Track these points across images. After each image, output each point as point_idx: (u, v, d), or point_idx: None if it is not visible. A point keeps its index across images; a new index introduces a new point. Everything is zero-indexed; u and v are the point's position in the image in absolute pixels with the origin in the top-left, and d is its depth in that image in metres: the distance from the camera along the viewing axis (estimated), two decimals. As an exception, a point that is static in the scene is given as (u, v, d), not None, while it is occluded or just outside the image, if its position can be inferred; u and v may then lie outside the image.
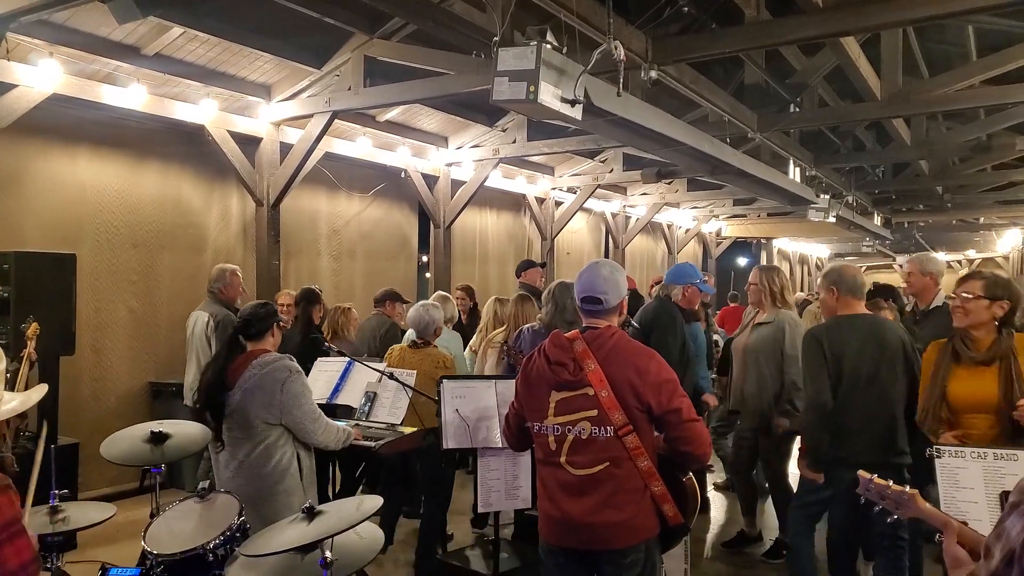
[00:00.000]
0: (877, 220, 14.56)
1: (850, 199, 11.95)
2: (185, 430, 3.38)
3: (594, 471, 2.49)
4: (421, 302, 4.85)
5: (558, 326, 4.05)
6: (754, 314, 5.03)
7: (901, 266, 5.20)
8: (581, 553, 2.57)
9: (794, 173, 9.13)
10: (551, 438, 2.56)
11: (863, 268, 26.91)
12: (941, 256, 23.27)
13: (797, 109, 7.58)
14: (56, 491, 2.95)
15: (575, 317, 3.93)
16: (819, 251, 23.62)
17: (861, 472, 2.09)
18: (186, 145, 6.88)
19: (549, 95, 3.98)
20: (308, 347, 4.71)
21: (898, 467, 3.49)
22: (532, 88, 3.86)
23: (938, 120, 9.39)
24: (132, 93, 5.97)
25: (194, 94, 6.43)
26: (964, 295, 3.17)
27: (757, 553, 5.00)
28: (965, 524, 1.85)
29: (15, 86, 5.29)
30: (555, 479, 2.57)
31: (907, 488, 2.02)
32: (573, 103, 4.20)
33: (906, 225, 17.48)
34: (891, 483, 2.04)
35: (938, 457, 2.47)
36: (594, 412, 2.49)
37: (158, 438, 3.21)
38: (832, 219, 10.85)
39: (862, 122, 8.71)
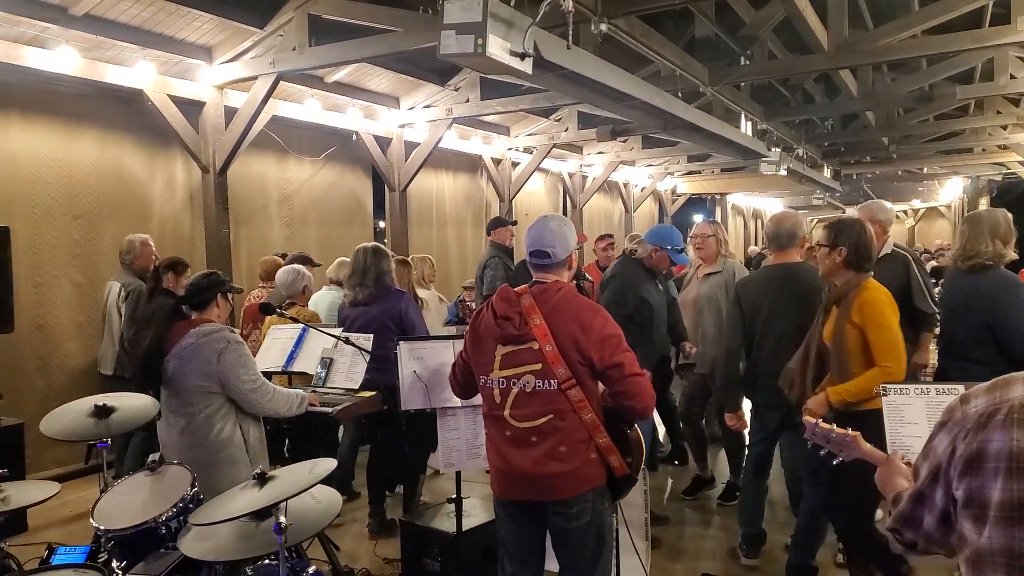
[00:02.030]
0: (827, 172, 14.78)
1: (800, 152, 12.08)
2: (131, 403, 3.26)
3: (538, 423, 2.52)
4: (293, 265, 5.03)
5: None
6: (697, 267, 5.09)
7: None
8: (530, 505, 2.61)
9: (745, 127, 9.18)
10: (496, 391, 2.59)
11: (814, 221, 27.41)
12: (888, 205, 23.86)
13: (747, 62, 7.57)
14: (-8, 470, 2.85)
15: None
16: (772, 205, 23.98)
17: (807, 417, 2.19)
18: (124, 111, 6.60)
19: (498, 48, 3.90)
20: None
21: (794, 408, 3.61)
22: (480, 41, 3.77)
23: (883, 71, 9.50)
24: (62, 56, 5.68)
25: (130, 57, 6.15)
26: (817, 244, 3.35)
27: (714, 497, 5.13)
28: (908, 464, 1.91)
29: (-67, 51, 5.00)
30: (499, 432, 2.60)
31: (849, 430, 2.09)
32: (523, 56, 4.13)
33: (855, 177, 17.80)
34: (835, 427, 2.12)
35: (884, 395, 2.54)
36: (538, 366, 2.51)
37: (102, 412, 3.11)
38: (783, 172, 10.96)
39: (811, 73, 8.76)
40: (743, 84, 8.75)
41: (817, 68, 7.39)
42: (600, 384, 2.61)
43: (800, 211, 23.82)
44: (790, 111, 10.13)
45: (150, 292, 4.63)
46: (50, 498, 2.82)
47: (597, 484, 2.57)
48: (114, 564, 2.59)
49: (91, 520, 2.68)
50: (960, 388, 2.43)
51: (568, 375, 2.48)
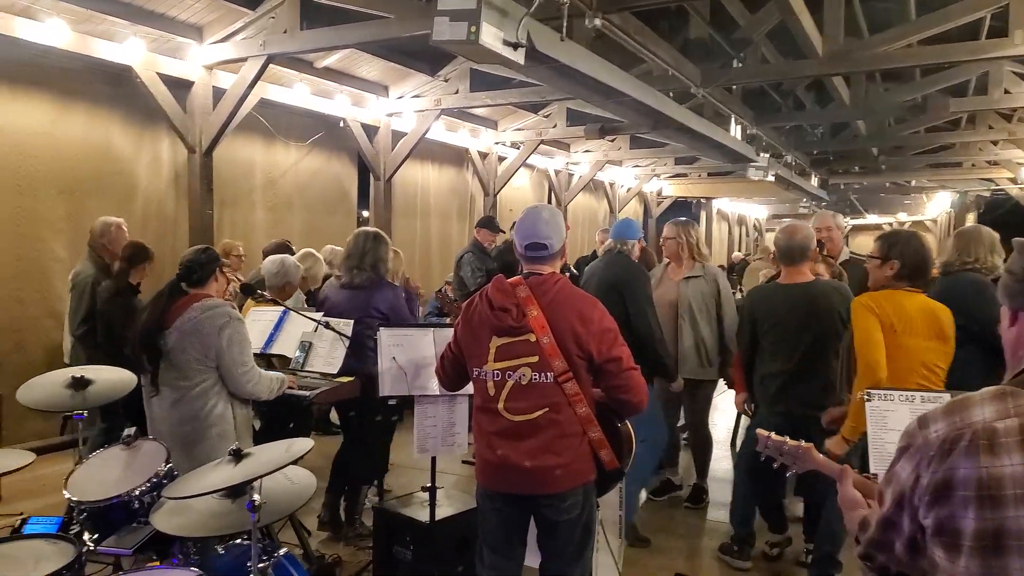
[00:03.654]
0: (814, 181, 14.89)
1: (789, 159, 12.17)
2: (107, 375, 3.26)
3: (533, 416, 2.49)
4: (282, 255, 4.84)
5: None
6: (665, 267, 5.03)
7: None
8: (520, 497, 2.59)
9: (735, 131, 9.23)
10: (490, 383, 2.56)
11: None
12: (873, 218, 24.05)
13: (740, 65, 7.61)
14: (-32, 439, 2.82)
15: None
16: (757, 211, 24.15)
17: (759, 430, 2.17)
18: (113, 87, 6.54)
19: (491, 36, 3.90)
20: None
21: (816, 417, 3.66)
22: (473, 29, 3.77)
23: (877, 80, 9.58)
24: (52, 28, 5.62)
25: (120, 32, 6.09)
26: (869, 256, 3.29)
27: (682, 499, 5.16)
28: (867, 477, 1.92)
29: (-82, 17, 4.92)
30: (492, 425, 2.56)
31: (801, 443, 2.10)
32: (516, 46, 4.13)
33: (842, 187, 17.95)
34: (787, 439, 2.12)
35: (868, 401, 2.55)
36: (535, 358, 2.48)
37: (79, 383, 3.09)
38: (771, 178, 11.03)
39: (804, 79, 8.81)
40: (735, 87, 8.79)
41: (810, 74, 7.45)
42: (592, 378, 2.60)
43: (785, 219, 24.02)
44: (781, 117, 10.20)
45: (117, 292, 4.59)
46: (24, 467, 2.80)
47: (589, 478, 2.58)
48: (86, 536, 2.57)
49: (64, 491, 2.67)
50: (945, 396, 2.46)
51: (565, 368, 2.47)
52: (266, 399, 3.41)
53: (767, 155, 10.71)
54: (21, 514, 2.95)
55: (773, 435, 2.14)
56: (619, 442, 2.65)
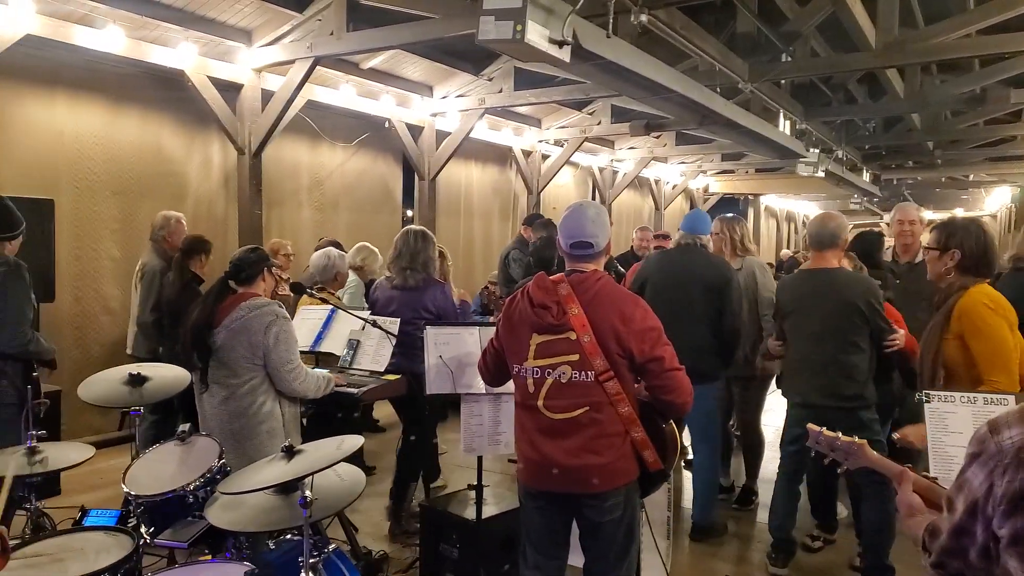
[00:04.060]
0: (866, 176, 14.50)
1: (840, 154, 11.88)
2: (163, 372, 3.35)
3: (574, 415, 2.47)
4: (327, 248, 4.93)
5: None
6: None
7: (888, 223, 5.06)
8: (561, 496, 2.57)
9: (784, 126, 9.05)
10: (530, 380, 2.54)
11: (849, 226, 26.99)
12: (928, 214, 23.35)
13: (789, 59, 7.45)
14: (34, 432, 2.92)
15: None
16: (807, 208, 23.63)
17: (810, 425, 2.10)
18: (165, 91, 6.71)
19: (537, 35, 3.89)
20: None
21: (849, 411, 3.65)
22: (519, 27, 3.76)
23: (932, 72, 9.28)
24: (109, 35, 5.79)
25: (173, 38, 6.24)
26: (926, 247, 3.11)
27: (731, 501, 5.08)
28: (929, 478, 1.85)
29: (-15, 26, 5.11)
30: (533, 422, 2.55)
31: (855, 438, 2.03)
32: (561, 44, 4.11)
33: (895, 182, 17.44)
34: (840, 434, 2.05)
35: (927, 402, 2.46)
36: (575, 356, 2.46)
37: (136, 380, 3.18)
38: (821, 174, 10.79)
39: (856, 72, 8.58)
40: (783, 82, 8.61)
41: (863, 67, 7.25)
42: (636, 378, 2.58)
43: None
44: (831, 111, 9.94)
45: (183, 284, 4.73)
46: (86, 461, 2.90)
47: (631, 478, 2.54)
48: (143, 529, 2.64)
49: (122, 485, 2.74)
50: (1009, 398, 2.36)
51: (606, 367, 2.44)
52: (313, 397, 3.45)
53: (817, 150, 10.48)
54: (81, 507, 3.04)
55: (825, 430, 2.08)
56: (663, 443, 2.60)
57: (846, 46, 7.34)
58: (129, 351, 5.39)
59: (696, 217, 4.56)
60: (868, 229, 5.03)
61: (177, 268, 4.85)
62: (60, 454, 2.93)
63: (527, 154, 11.41)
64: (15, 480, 2.81)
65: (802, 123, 9.43)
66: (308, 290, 4.32)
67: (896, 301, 4.04)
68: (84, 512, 2.84)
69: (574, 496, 2.54)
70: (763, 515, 4.79)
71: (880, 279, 4.15)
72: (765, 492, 5.01)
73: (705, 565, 4.18)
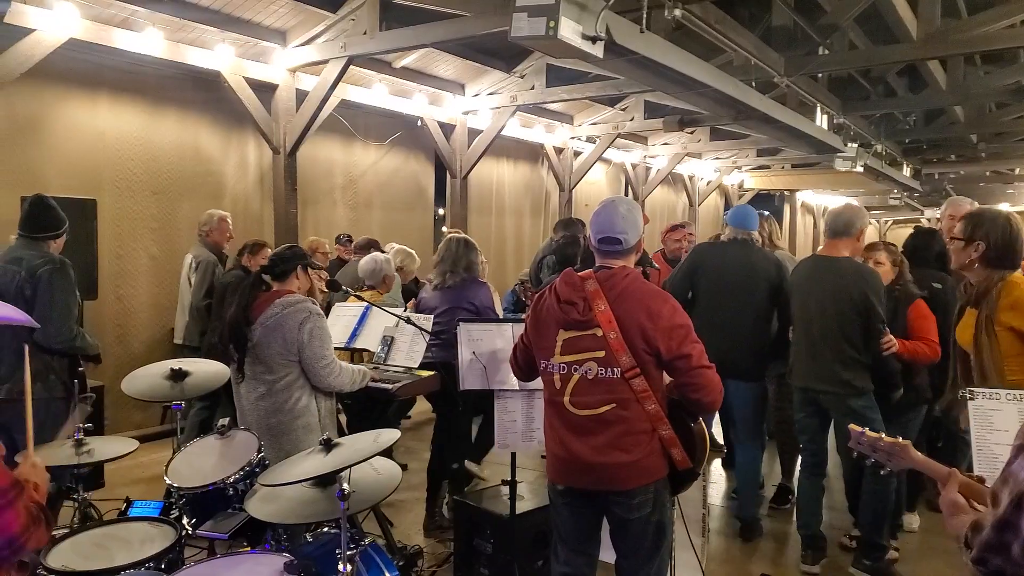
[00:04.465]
0: (906, 171, 14.18)
1: (879, 148, 11.62)
2: (204, 368, 3.42)
3: (600, 412, 2.46)
4: (374, 253, 5.07)
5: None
6: None
7: (928, 219, 4.90)
8: (589, 493, 2.56)
9: (821, 120, 8.88)
10: (556, 376, 2.54)
11: (889, 222, 26.11)
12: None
13: (826, 52, 7.32)
14: (80, 425, 3.00)
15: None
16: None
17: (852, 426, 2.09)
18: (203, 92, 6.83)
19: (570, 31, 3.88)
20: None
21: (839, 396, 3.72)
22: (552, 24, 3.75)
23: (976, 64, 9.05)
24: (148, 38, 5.91)
25: (210, 40, 6.35)
26: (952, 238, 3.03)
27: (767, 499, 5.02)
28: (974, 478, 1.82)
29: (32, 31, 5.25)
30: (560, 419, 2.55)
31: (898, 439, 2.00)
32: (594, 40, 4.10)
33: (936, 176, 16.99)
34: (882, 435, 2.02)
35: (971, 399, 2.41)
36: (601, 353, 2.45)
37: (178, 375, 3.25)
38: (859, 169, 10.58)
39: (896, 64, 8.40)
40: (820, 75, 8.47)
41: (904, 59, 7.10)
42: (665, 375, 2.56)
43: (874, 212, 22.97)
44: (870, 105, 9.76)
45: (236, 270, 4.90)
46: (130, 453, 2.98)
47: (659, 476, 2.52)
48: (184, 520, 2.70)
49: (165, 478, 2.80)
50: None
51: (632, 364, 2.42)
52: (348, 391, 3.49)
53: (855, 145, 10.28)
54: (126, 498, 3.11)
55: (867, 431, 2.05)
56: (691, 441, 2.57)
57: (886, 38, 7.20)
58: (179, 340, 5.70)
59: (747, 212, 4.54)
60: (926, 226, 4.89)
61: (235, 261, 5.40)
62: (105, 447, 3.02)
63: (559, 151, 11.39)
64: (64, 470, 2.91)
65: (840, 117, 9.26)
66: (346, 290, 4.37)
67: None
68: (129, 503, 2.91)
69: (602, 493, 2.53)
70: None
71: (937, 280, 4.05)
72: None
73: (740, 564, 4.14)
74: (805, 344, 3.89)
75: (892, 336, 3.68)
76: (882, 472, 2.07)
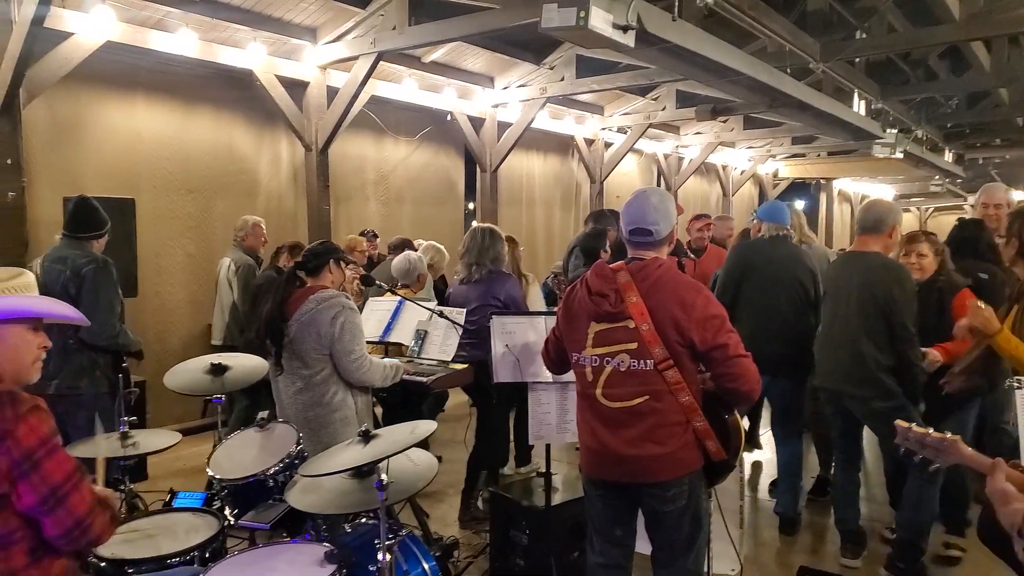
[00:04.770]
0: (948, 156, 13.84)
1: (919, 133, 11.36)
2: (243, 362, 3.47)
3: (633, 404, 2.45)
4: (407, 252, 5.05)
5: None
6: None
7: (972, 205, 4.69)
8: (623, 485, 2.55)
9: (859, 106, 8.71)
10: (588, 369, 2.53)
11: (930, 209, 25.44)
12: (1020, 195, 22.03)
13: (864, 36, 7.16)
14: (125, 418, 3.07)
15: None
16: (883, 192, 22.72)
17: (898, 422, 2.05)
18: (235, 91, 6.92)
19: (600, 21, 3.85)
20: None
21: (861, 400, 3.60)
22: (583, 13, 3.73)
23: (1021, 44, 8.77)
24: (182, 39, 6.01)
25: (242, 39, 6.43)
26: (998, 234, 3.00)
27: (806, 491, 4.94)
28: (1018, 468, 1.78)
29: (70, 35, 5.36)
30: (592, 411, 2.54)
31: (947, 434, 1.97)
32: (625, 29, 4.06)
33: (980, 161, 16.55)
34: (930, 430, 1.99)
35: (1018, 388, 2.35)
36: (634, 345, 2.43)
37: (218, 369, 3.30)
38: (899, 155, 10.35)
39: (938, 46, 8.18)
40: (858, 60, 8.29)
41: (946, 40, 6.92)
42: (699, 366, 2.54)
43: (915, 199, 22.44)
44: (909, 89, 9.53)
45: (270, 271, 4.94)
46: (173, 446, 3.05)
47: (694, 468, 2.49)
48: (227, 511, 2.74)
49: (207, 469, 2.85)
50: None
51: (665, 355, 2.40)
52: (380, 385, 3.50)
53: (894, 130, 10.05)
54: (171, 489, 3.18)
55: (914, 426, 2.01)
56: (726, 433, 2.55)
57: (926, 19, 7.02)
58: (217, 341, 5.75)
59: (780, 207, 4.48)
60: (970, 217, 4.66)
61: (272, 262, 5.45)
62: (150, 439, 3.09)
63: (589, 142, 11.32)
64: (111, 462, 2.98)
65: (878, 102, 9.07)
66: (380, 284, 4.40)
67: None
68: (173, 494, 2.97)
69: (635, 485, 2.52)
70: (840, 507, 4.70)
71: (984, 271, 3.85)
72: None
73: (779, 556, 4.09)
74: (829, 343, 3.76)
75: (930, 349, 3.53)
76: (930, 468, 2.03)
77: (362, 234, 7.43)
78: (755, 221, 4.47)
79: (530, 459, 5.02)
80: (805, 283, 4.16)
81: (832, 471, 4.87)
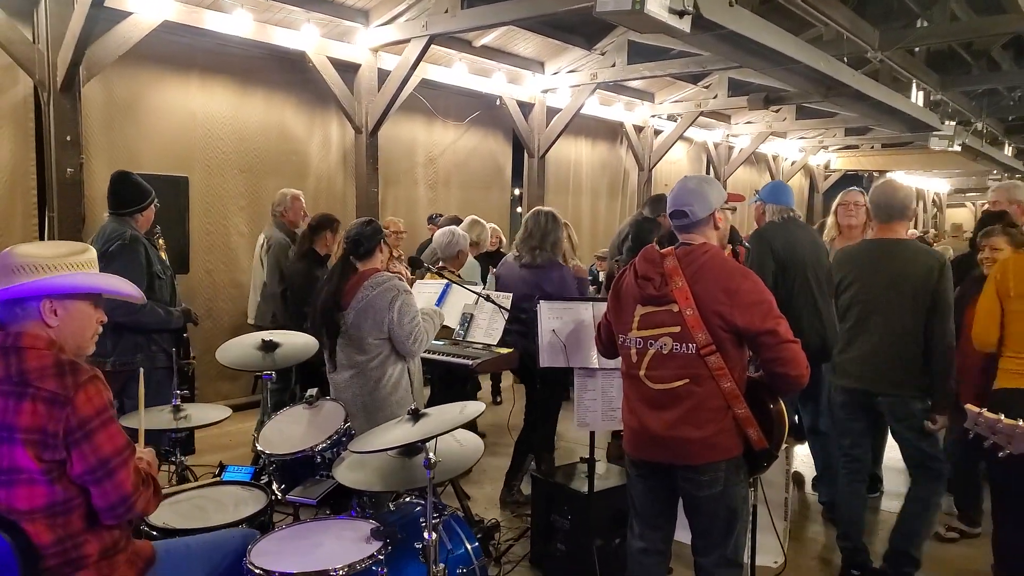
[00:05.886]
0: (1008, 151, 13.33)
1: (979, 126, 10.97)
2: (293, 340, 3.52)
3: (673, 386, 2.47)
4: (451, 227, 4.95)
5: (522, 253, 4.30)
6: (832, 239, 4.79)
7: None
8: (659, 466, 2.58)
9: (917, 97, 8.43)
10: (633, 350, 2.58)
11: (986, 204, 24.79)
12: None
13: (925, 24, 6.92)
14: (177, 391, 3.14)
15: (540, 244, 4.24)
16: (938, 186, 22.02)
17: (968, 405, 2.00)
18: (288, 72, 6.99)
19: (657, 5, 3.78)
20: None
21: (898, 399, 3.35)
22: (639, -3, 3.66)
23: (1092, 34, 8.40)
24: (237, 19, 6.08)
25: (296, 20, 6.48)
26: None
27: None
28: None
29: (129, 14, 5.47)
30: (635, 392, 2.59)
31: (1020, 421, 1.91)
32: (682, 14, 3.98)
33: (1042, 156, 15.95)
34: (1002, 416, 1.94)
35: None
36: (677, 328, 2.46)
37: (269, 346, 3.36)
38: (957, 148, 9.99)
39: (1002, 36, 7.88)
40: (917, 49, 8.02)
41: (1011, 30, 6.65)
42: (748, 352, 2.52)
43: (971, 193, 21.71)
44: (971, 80, 9.21)
45: (301, 254, 4.89)
46: (224, 420, 3.10)
47: (731, 455, 2.49)
48: (274, 486, 2.79)
49: (256, 444, 2.90)
50: None
51: (708, 340, 2.41)
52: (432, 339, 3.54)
53: (953, 123, 9.71)
54: (220, 462, 3.25)
55: (985, 411, 1.95)
56: (770, 422, 2.52)
57: (990, 8, 6.75)
58: (251, 320, 5.59)
59: (780, 188, 4.30)
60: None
61: (300, 242, 5.04)
62: (200, 413, 3.17)
63: (639, 130, 11.19)
64: (162, 434, 3.05)
65: (937, 94, 8.77)
66: (427, 266, 4.41)
67: None
68: (223, 468, 3.03)
69: (671, 467, 2.54)
70: (887, 503, 4.61)
71: None
72: (889, 479, 4.77)
73: (824, 549, 4.01)
74: (862, 341, 3.43)
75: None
76: (1000, 455, 1.97)
77: (429, 218, 7.35)
78: (757, 202, 4.20)
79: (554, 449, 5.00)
80: (825, 266, 3.97)
81: (883, 464, 4.75)
